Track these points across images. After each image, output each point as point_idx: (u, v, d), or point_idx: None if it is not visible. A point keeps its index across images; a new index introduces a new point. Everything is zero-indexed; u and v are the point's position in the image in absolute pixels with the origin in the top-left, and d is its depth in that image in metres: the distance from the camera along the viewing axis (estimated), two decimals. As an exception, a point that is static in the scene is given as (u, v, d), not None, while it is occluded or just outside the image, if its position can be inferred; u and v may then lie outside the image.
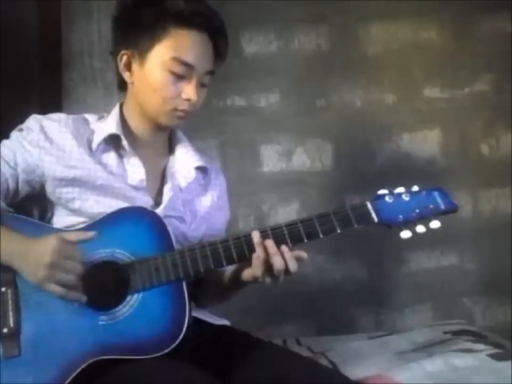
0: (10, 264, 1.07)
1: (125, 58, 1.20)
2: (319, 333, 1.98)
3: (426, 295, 2.18)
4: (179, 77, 1.16)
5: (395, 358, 1.42)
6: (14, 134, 1.21)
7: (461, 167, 2.20)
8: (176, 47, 1.15)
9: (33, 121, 1.21)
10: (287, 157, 2.16)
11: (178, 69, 1.15)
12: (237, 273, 1.17)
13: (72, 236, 1.10)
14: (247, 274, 1.14)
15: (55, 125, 1.20)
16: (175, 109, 1.18)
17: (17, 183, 1.17)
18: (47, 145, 1.18)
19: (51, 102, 1.90)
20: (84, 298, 1.06)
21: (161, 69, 1.15)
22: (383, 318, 2.15)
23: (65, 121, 1.22)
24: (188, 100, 1.17)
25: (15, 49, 1.87)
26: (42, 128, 1.19)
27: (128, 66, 1.20)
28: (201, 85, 1.19)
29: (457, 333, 1.61)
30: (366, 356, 1.43)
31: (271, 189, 2.14)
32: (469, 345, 1.45)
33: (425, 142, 2.20)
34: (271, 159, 2.16)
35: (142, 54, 1.17)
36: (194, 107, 1.19)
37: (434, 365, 1.30)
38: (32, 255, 1.05)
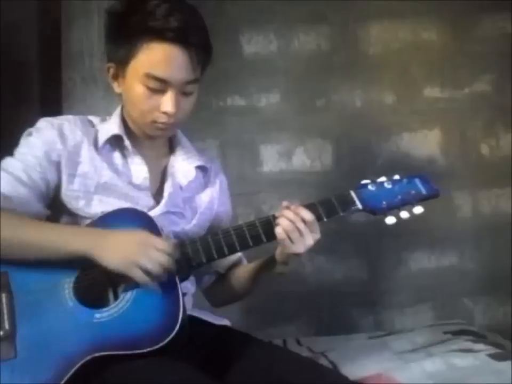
0: (89, 254, 1.06)
1: (111, 70, 1.20)
2: (319, 333, 1.99)
3: (426, 295, 2.18)
4: (155, 91, 1.14)
5: (395, 358, 1.42)
6: (27, 140, 1.19)
7: (461, 167, 2.21)
8: (149, 62, 1.12)
9: (44, 123, 1.21)
10: (287, 157, 2.16)
11: (153, 84, 1.13)
12: (271, 259, 1.19)
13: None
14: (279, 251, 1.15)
15: (65, 123, 1.21)
16: (155, 122, 1.17)
17: (47, 185, 1.17)
18: (63, 141, 1.18)
19: (51, 102, 1.90)
20: (158, 289, 1.06)
21: (137, 84, 1.14)
22: (383, 318, 2.15)
23: (74, 121, 1.23)
24: (165, 112, 1.15)
25: (15, 49, 1.87)
26: (54, 126, 1.20)
27: (115, 77, 1.21)
28: (184, 94, 1.16)
29: (457, 333, 1.62)
30: (366, 356, 1.43)
31: (271, 189, 2.14)
32: (469, 345, 1.45)
33: (425, 142, 2.20)
34: (271, 159, 2.16)
35: (122, 67, 1.17)
36: (175, 119, 1.17)
37: (434, 365, 1.30)
38: (117, 243, 1.06)
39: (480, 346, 1.43)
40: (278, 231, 1.10)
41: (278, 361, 1.11)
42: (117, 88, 1.21)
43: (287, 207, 1.12)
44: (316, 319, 2.13)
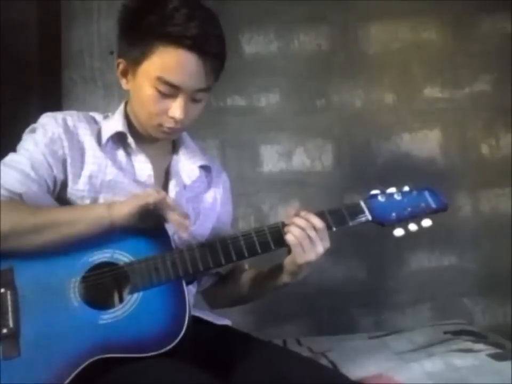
0: (110, 218, 1.07)
1: (121, 66, 1.19)
2: (319, 333, 1.98)
3: (426, 295, 2.18)
4: (166, 95, 1.13)
5: (395, 358, 1.41)
6: (32, 137, 1.17)
7: (461, 167, 2.21)
8: (163, 66, 1.11)
9: (47, 118, 1.20)
10: (287, 157, 2.16)
11: (164, 88, 1.12)
12: (277, 267, 1.18)
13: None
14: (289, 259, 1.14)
15: (69, 118, 1.20)
16: (161, 125, 1.16)
17: (55, 182, 1.16)
18: (68, 137, 1.17)
19: (51, 102, 1.90)
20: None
21: (148, 85, 1.13)
22: (383, 318, 2.15)
23: (78, 116, 1.22)
24: (173, 118, 1.14)
25: (15, 49, 1.88)
26: (58, 122, 1.18)
27: (125, 74, 1.19)
28: (193, 101, 1.16)
29: (457, 333, 1.61)
30: (366, 356, 1.43)
31: (271, 189, 2.14)
32: (469, 345, 1.45)
33: (425, 142, 2.20)
34: (271, 159, 2.16)
35: (134, 66, 1.15)
36: (182, 124, 1.16)
37: (434, 365, 1.30)
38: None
39: (480, 346, 1.43)
40: (290, 238, 1.10)
41: (278, 360, 1.11)
42: (124, 84, 1.20)
43: (297, 214, 1.11)
44: (316, 319, 2.13)
